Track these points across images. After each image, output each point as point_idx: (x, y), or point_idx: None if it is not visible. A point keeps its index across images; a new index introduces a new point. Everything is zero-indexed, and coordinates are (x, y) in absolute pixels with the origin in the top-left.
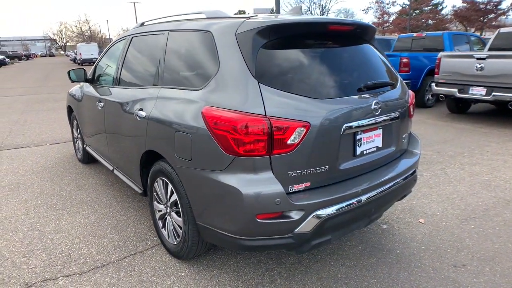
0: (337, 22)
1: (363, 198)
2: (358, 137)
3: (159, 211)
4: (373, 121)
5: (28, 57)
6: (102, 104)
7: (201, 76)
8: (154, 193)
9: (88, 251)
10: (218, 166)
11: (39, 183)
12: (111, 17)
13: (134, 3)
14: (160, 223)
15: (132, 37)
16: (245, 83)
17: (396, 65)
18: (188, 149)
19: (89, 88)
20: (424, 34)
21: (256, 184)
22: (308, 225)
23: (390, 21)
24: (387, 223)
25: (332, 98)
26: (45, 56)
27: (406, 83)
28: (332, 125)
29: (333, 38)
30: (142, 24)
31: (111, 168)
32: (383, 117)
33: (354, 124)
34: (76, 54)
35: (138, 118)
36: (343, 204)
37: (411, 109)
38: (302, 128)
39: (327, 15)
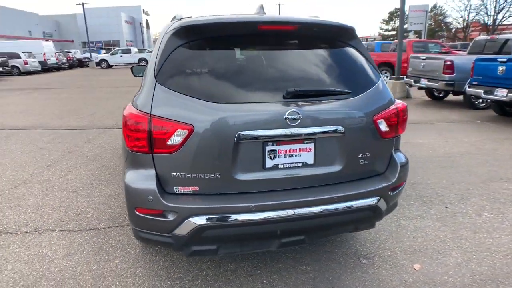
0: (271, 21)
1: (259, 215)
2: (269, 148)
3: None
4: (288, 133)
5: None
6: None
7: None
8: None
9: (90, 216)
10: (124, 159)
11: (110, 158)
12: None
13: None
14: None
15: None
16: (146, 82)
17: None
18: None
19: None
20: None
21: (139, 179)
22: (184, 228)
23: None
24: (369, 257)
25: (231, 103)
26: None
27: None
28: (222, 131)
29: (269, 39)
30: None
31: None
32: (310, 130)
33: (253, 133)
34: None
35: None
36: (225, 217)
37: (383, 126)
38: (185, 131)
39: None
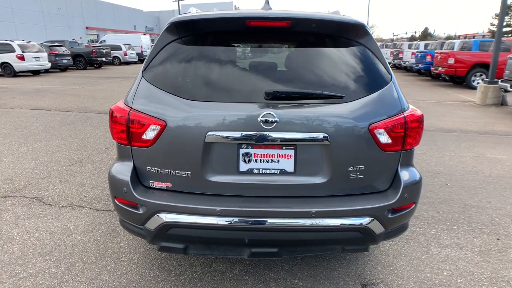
0: (261, 17)
1: (225, 220)
2: (243, 151)
3: None
4: (262, 136)
5: None
6: None
7: None
8: None
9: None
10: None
11: None
12: None
13: None
14: None
15: None
16: (136, 78)
17: None
18: None
19: None
20: None
21: (119, 170)
22: (152, 223)
23: None
24: (373, 283)
25: (204, 102)
26: None
27: None
28: (192, 129)
29: (260, 35)
30: None
31: None
32: (289, 135)
33: (224, 133)
34: None
35: None
36: (191, 217)
37: (383, 136)
38: (157, 126)
39: None
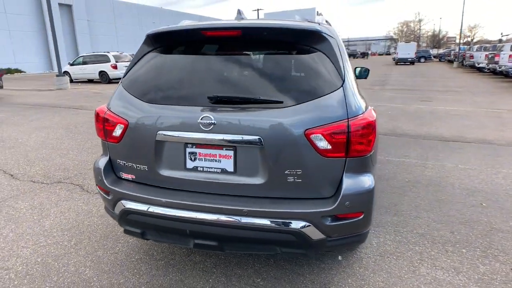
0: (214, 27)
1: (169, 211)
2: (189, 150)
3: None
4: (202, 137)
5: (364, 55)
6: None
7: None
8: None
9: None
10: None
11: None
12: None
13: None
14: None
15: None
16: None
17: None
18: None
19: None
20: None
21: (99, 161)
22: (117, 208)
23: None
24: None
25: (158, 104)
26: (382, 55)
27: None
28: (146, 128)
29: (216, 44)
30: None
31: None
32: (226, 137)
33: (170, 133)
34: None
35: None
36: (143, 206)
37: (322, 142)
38: (122, 125)
39: None
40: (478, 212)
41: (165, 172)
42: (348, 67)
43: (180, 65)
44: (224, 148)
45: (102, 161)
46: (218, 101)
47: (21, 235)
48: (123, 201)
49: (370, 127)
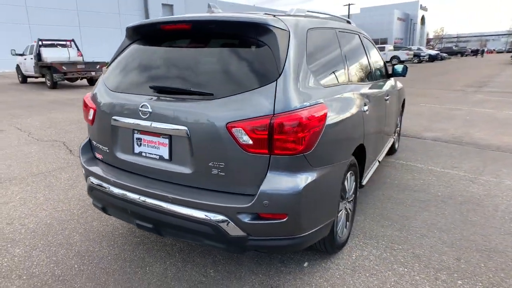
0: (168, 21)
1: (115, 190)
2: (136, 135)
3: None
4: (141, 124)
5: (476, 52)
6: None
7: None
8: None
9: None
10: None
11: None
12: None
13: None
14: None
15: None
16: None
17: None
18: None
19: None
20: None
21: (83, 141)
22: (87, 183)
23: None
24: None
25: (116, 92)
26: (502, 52)
27: None
28: (105, 114)
29: (172, 37)
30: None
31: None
32: (158, 125)
33: (120, 119)
34: None
35: None
36: (100, 183)
37: (244, 137)
38: (92, 110)
39: None
40: (510, 242)
41: (120, 155)
42: (301, 61)
43: (141, 57)
44: (161, 136)
45: (84, 142)
46: (159, 91)
47: (47, 200)
48: (90, 177)
49: (299, 125)
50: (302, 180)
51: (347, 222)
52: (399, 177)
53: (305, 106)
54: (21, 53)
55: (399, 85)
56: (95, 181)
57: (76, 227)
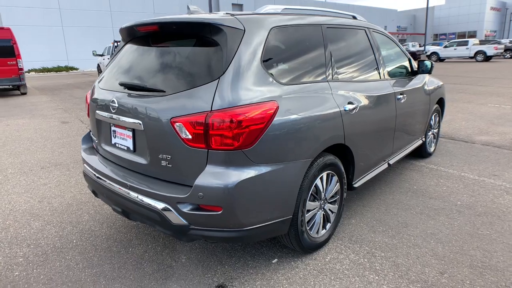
0: (141, 24)
1: (95, 176)
2: (112, 128)
3: None
4: (111, 118)
5: None
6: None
7: None
8: None
9: None
10: None
11: None
12: None
13: None
14: None
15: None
16: None
17: None
18: None
19: None
20: None
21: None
22: (83, 168)
23: None
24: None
25: (101, 89)
26: None
27: None
28: (92, 108)
29: (146, 38)
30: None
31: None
32: (122, 119)
33: (100, 113)
34: None
35: None
36: (88, 168)
37: (184, 132)
38: (87, 105)
39: None
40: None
41: (104, 145)
42: (252, 59)
43: (124, 56)
44: (127, 129)
45: (85, 132)
46: (124, 88)
47: (77, 184)
48: (84, 164)
49: (234, 122)
50: (238, 175)
51: (328, 223)
52: (420, 182)
53: (245, 104)
54: (101, 53)
55: (433, 83)
56: (86, 167)
57: (89, 209)
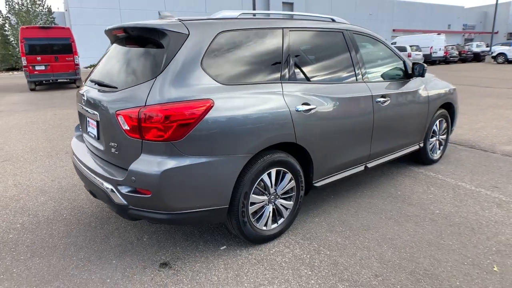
0: (114, 28)
1: (75, 161)
2: (87, 118)
3: None
4: (82, 108)
5: None
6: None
7: None
8: None
9: None
10: None
11: None
12: None
13: None
14: None
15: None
16: None
17: None
18: None
19: None
20: None
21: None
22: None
23: None
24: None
25: (83, 84)
26: None
27: None
28: (77, 100)
29: (121, 40)
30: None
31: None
32: (88, 110)
33: (78, 104)
34: None
35: None
36: (73, 154)
37: (123, 123)
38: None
39: None
40: (463, 273)
41: (84, 134)
42: (192, 61)
43: (105, 56)
44: (94, 119)
45: (77, 123)
46: (95, 83)
47: None
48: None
49: (162, 116)
50: (166, 163)
51: (282, 218)
52: (407, 189)
53: (177, 101)
54: None
55: (438, 86)
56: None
57: (72, 186)
